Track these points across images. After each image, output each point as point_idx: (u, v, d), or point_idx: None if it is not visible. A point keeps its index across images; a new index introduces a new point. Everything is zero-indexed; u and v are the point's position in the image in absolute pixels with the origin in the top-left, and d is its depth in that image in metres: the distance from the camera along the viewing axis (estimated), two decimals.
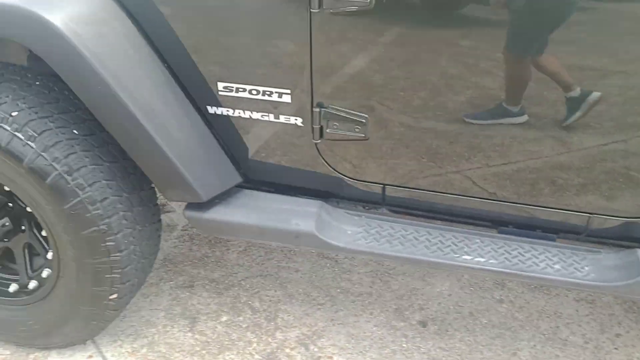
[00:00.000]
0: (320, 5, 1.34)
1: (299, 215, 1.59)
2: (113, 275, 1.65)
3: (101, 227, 1.56)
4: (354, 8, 1.32)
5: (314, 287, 2.19)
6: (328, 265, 2.30)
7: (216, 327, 2.01)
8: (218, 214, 1.61)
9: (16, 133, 1.48)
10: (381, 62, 1.41)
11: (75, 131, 1.54)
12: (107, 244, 1.59)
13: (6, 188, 1.63)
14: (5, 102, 1.50)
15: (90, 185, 1.53)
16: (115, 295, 1.70)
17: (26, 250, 1.80)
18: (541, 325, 2.04)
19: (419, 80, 1.42)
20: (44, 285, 1.76)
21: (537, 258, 1.50)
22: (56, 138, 1.51)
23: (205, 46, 1.49)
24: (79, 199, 1.52)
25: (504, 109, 1.40)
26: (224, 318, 2.05)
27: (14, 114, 1.49)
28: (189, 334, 1.98)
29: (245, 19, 1.43)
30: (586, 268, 1.48)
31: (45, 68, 1.69)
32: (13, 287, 1.81)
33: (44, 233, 1.68)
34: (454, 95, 1.40)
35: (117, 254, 1.61)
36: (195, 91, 1.55)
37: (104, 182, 1.56)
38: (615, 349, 1.96)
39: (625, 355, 1.94)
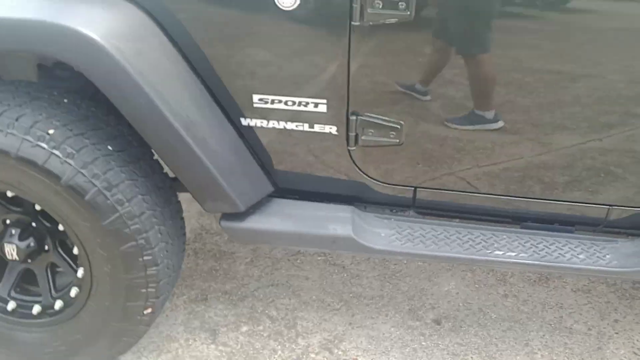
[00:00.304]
0: (361, 18, 1.40)
1: (335, 220, 1.64)
2: (149, 290, 1.65)
3: (139, 241, 1.57)
4: (393, 20, 1.40)
5: (326, 294, 2.24)
6: (336, 271, 2.35)
7: (238, 338, 2.02)
8: (255, 223, 1.64)
9: (54, 151, 1.47)
10: (416, 71, 1.49)
11: (109, 147, 1.55)
12: (145, 258, 1.59)
13: (37, 207, 1.62)
14: (39, 121, 1.49)
15: (129, 201, 1.53)
16: (150, 310, 1.70)
17: (49, 270, 1.78)
18: (546, 316, 2.16)
19: (449, 87, 1.51)
20: (72, 304, 1.73)
21: (562, 250, 1.61)
22: (94, 155, 1.50)
23: (242, 60, 1.53)
24: (118, 214, 1.52)
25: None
26: (244, 328, 2.07)
27: (50, 132, 1.48)
28: (212, 346, 1.99)
29: (284, 32, 1.48)
30: (608, 256, 1.60)
31: (62, 83, 1.70)
32: (36, 309, 1.78)
33: (74, 251, 1.67)
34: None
35: (154, 268, 1.62)
36: (230, 104, 1.58)
37: (140, 197, 1.57)
38: (616, 333, 2.10)
39: (626, 339, 2.08)
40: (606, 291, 2.28)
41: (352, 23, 1.42)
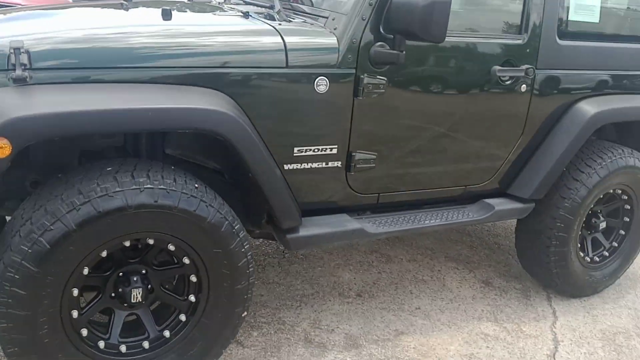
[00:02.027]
0: (362, 95, 2.42)
1: (347, 222, 2.56)
2: (248, 295, 2.27)
3: (248, 257, 2.21)
4: (376, 93, 2.45)
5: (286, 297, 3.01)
6: (285, 282, 3.13)
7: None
8: (307, 232, 2.43)
9: (202, 199, 2.05)
10: (389, 126, 2.56)
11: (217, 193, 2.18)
12: (249, 269, 2.24)
13: (171, 247, 2.09)
14: (186, 181, 2.05)
15: (242, 230, 2.18)
16: (245, 313, 2.29)
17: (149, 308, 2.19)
18: (406, 283, 3.39)
19: (412, 135, 2.64)
20: (183, 328, 2.19)
21: (454, 215, 2.86)
22: (220, 200, 2.13)
23: (289, 126, 2.35)
24: (238, 239, 2.16)
25: None
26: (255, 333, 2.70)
27: (197, 185, 2.06)
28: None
29: (317, 106, 2.38)
30: (470, 214, 2.91)
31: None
32: (146, 344, 2.16)
33: (192, 279, 2.17)
34: (422, 139, 2.67)
35: (252, 277, 2.26)
36: (278, 154, 2.36)
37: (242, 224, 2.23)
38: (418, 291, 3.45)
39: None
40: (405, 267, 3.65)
41: (355, 98, 2.43)
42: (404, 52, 2.39)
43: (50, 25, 2.39)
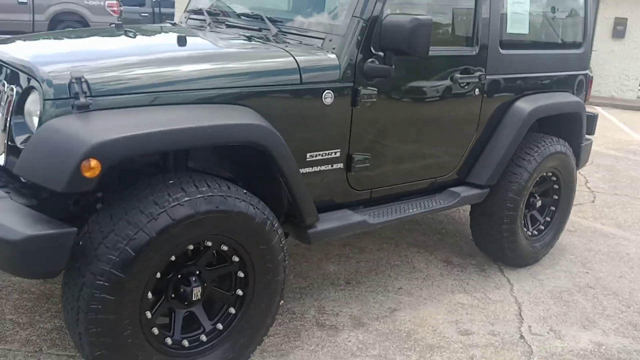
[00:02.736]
0: (359, 104, 2.80)
1: (351, 216, 2.93)
2: (284, 286, 2.57)
3: (284, 251, 2.52)
4: (369, 102, 2.85)
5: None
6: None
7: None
8: (323, 226, 2.76)
9: (251, 202, 2.33)
10: (379, 130, 2.96)
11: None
12: (285, 262, 2.54)
13: (224, 247, 2.34)
14: (236, 188, 2.32)
15: (279, 227, 2.48)
16: (282, 302, 2.59)
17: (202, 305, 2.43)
18: (387, 269, 3.81)
19: (397, 138, 3.04)
20: (234, 320, 2.45)
21: (430, 203, 3.32)
22: (262, 202, 2.42)
23: (303, 134, 2.68)
24: (278, 235, 2.47)
25: None
26: None
27: (245, 191, 2.34)
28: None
29: (324, 116, 2.72)
30: (442, 201, 3.39)
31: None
32: (203, 337, 2.40)
33: (239, 275, 2.43)
34: (403, 140, 3.09)
35: (287, 269, 2.56)
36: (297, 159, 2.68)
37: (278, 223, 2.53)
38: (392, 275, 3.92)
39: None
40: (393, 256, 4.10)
41: (353, 107, 2.81)
42: (394, 67, 2.81)
43: (97, 50, 2.60)
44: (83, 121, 2.08)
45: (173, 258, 2.24)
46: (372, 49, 2.83)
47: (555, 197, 4.05)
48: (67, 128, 2.03)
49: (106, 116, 2.14)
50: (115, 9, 15.07)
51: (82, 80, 2.13)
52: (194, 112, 2.29)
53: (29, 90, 2.24)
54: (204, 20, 3.38)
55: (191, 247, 2.28)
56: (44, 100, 2.12)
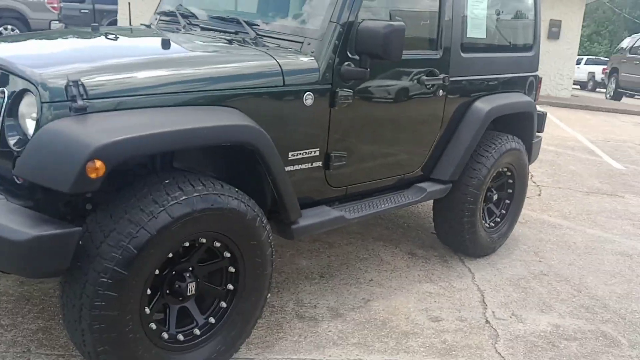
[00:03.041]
0: (337, 105, 2.94)
1: (330, 212, 3.07)
2: (271, 279, 2.68)
3: (272, 246, 2.63)
4: (346, 103, 2.99)
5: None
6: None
7: None
8: (304, 222, 2.88)
9: (243, 201, 2.44)
10: (354, 129, 3.10)
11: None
12: (273, 257, 2.66)
13: (216, 244, 2.43)
14: (228, 186, 2.41)
15: (267, 223, 2.59)
16: (269, 295, 2.70)
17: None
18: (358, 262, 3.97)
19: (369, 137, 3.19)
20: (225, 313, 2.54)
21: (399, 198, 3.50)
22: (252, 200, 2.52)
23: (284, 134, 2.79)
24: (266, 231, 2.58)
25: None
26: None
27: (237, 190, 2.44)
28: None
29: (304, 117, 2.85)
30: (410, 196, 3.57)
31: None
32: (197, 331, 2.48)
33: (230, 270, 2.52)
34: (375, 138, 3.25)
35: (274, 263, 2.67)
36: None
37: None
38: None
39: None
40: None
41: (331, 108, 2.95)
42: (369, 69, 2.97)
43: (86, 53, 2.65)
44: (84, 123, 2.13)
45: (170, 255, 2.32)
46: (348, 52, 2.97)
47: (510, 190, 4.32)
48: (69, 130, 2.08)
49: (104, 118, 2.20)
50: (55, 5, 14.65)
51: (79, 83, 2.18)
52: (188, 114, 2.37)
53: (22, 92, 2.27)
54: (178, 22, 3.44)
55: (187, 244, 2.36)
56: (42, 103, 2.15)
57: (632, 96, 19.07)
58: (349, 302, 3.39)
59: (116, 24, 17.48)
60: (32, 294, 3.13)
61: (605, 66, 25.58)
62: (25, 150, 2.12)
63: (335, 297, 3.43)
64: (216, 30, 3.27)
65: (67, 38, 3.10)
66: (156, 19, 3.74)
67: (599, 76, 25.31)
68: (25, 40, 2.93)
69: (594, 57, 30.81)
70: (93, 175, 2.02)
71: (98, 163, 2.02)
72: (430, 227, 4.66)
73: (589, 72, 25.53)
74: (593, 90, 24.95)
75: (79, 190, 2.04)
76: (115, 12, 18.61)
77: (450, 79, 3.60)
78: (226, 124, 2.41)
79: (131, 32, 3.36)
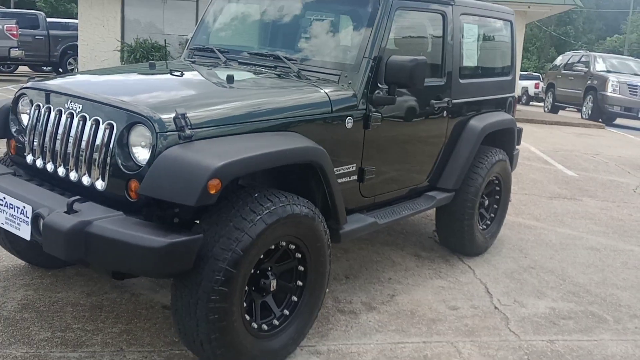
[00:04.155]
0: (369, 127, 3.46)
1: (366, 219, 3.58)
2: (329, 276, 3.15)
3: (330, 247, 3.10)
4: (376, 125, 3.52)
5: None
6: None
7: None
8: (349, 227, 3.37)
9: (311, 208, 2.91)
10: (381, 146, 3.63)
11: None
12: (330, 257, 3.13)
13: (291, 246, 2.88)
14: (302, 199, 2.88)
15: (326, 227, 3.07)
16: (327, 289, 3.16)
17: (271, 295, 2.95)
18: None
19: (392, 153, 3.72)
20: (296, 307, 2.99)
21: (415, 205, 4.03)
22: (317, 208, 2.99)
23: (332, 152, 3.25)
24: (327, 234, 3.06)
25: None
26: None
27: (306, 200, 2.91)
28: None
29: (345, 137, 3.36)
30: (423, 204, 4.12)
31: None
32: (275, 322, 2.92)
33: (299, 269, 2.98)
34: (397, 154, 3.78)
35: (331, 262, 3.15)
36: None
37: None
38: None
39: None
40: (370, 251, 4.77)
41: (365, 130, 3.47)
42: (396, 96, 3.51)
43: (171, 88, 3.13)
44: (197, 150, 2.57)
45: (262, 256, 2.76)
46: (378, 82, 3.51)
47: (497, 197, 4.95)
48: (188, 155, 2.52)
49: (210, 145, 2.65)
50: (14, 32, 14.66)
51: (185, 115, 2.62)
52: (271, 139, 2.86)
53: (132, 125, 2.68)
54: (216, 57, 3.90)
55: (273, 246, 2.82)
56: (157, 133, 2.58)
57: (565, 108, 20.55)
58: (378, 297, 3.89)
59: (76, 50, 17.58)
60: (102, 303, 3.49)
61: (537, 81, 27.30)
62: (149, 173, 2.53)
63: (364, 293, 3.93)
64: (254, 65, 3.75)
65: (141, 74, 3.51)
66: (190, 54, 4.18)
67: (532, 90, 26.93)
68: (103, 76, 3.32)
69: (525, 72, 32.69)
70: (213, 191, 2.46)
71: (216, 181, 2.46)
72: (427, 232, 5.25)
73: (522, 87, 26.92)
74: (527, 104, 26.45)
75: (201, 203, 2.47)
76: (69, 37, 18.64)
77: (452, 101, 4.21)
78: (303, 146, 2.90)
79: (188, 67, 3.77)
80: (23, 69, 19.90)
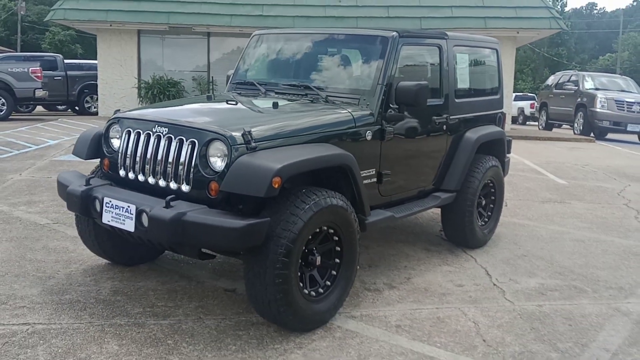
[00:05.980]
0: (385, 139, 4.34)
1: (384, 212, 4.43)
2: (359, 256, 3.98)
3: (358, 232, 3.94)
4: (390, 137, 4.39)
5: None
6: None
7: None
8: (372, 219, 4.22)
9: (343, 200, 3.75)
10: (395, 154, 4.50)
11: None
12: (359, 240, 3.97)
13: (330, 230, 3.73)
14: (337, 193, 3.73)
15: (355, 216, 3.92)
16: (358, 267, 4.00)
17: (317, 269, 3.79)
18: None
19: (403, 160, 4.58)
20: (336, 279, 3.82)
21: (424, 203, 4.89)
22: (348, 201, 3.85)
23: (356, 159, 4.14)
24: (357, 221, 3.92)
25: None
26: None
27: (341, 195, 3.76)
28: None
29: (365, 147, 4.22)
30: (431, 202, 4.98)
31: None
32: (320, 290, 3.75)
33: (337, 249, 3.81)
34: (407, 161, 4.65)
35: (359, 244, 4.00)
36: None
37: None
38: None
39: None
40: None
41: (381, 140, 4.34)
42: (406, 113, 4.40)
43: (234, 113, 4.05)
44: (262, 157, 3.45)
45: (310, 237, 3.61)
46: (389, 103, 4.40)
47: (493, 197, 5.80)
48: (256, 161, 3.39)
49: (270, 153, 3.52)
50: (38, 74, 15.68)
51: (251, 132, 3.50)
52: (314, 148, 3.73)
53: (210, 141, 3.55)
54: (256, 89, 4.81)
55: (318, 230, 3.66)
56: (231, 146, 3.45)
57: (559, 126, 21.51)
58: (397, 279, 4.72)
59: (92, 89, 18.59)
60: (175, 288, 4.33)
61: (532, 101, 28.32)
62: (229, 175, 3.40)
63: (385, 277, 4.75)
64: (289, 94, 4.64)
65: (204, 104, 4.42)
66: (233, 87, 5.09)
67: (528, 110, 27.94)
68: (174, 107, 4.24)
69: (521, 93, 33.76)
70: (276, 186, 3.33)
71: (278, 178, 3.33)
72: (433, 232, 6.10)
73: (519, 108, 28.00)
74: (524, 123, 27.44)
75: (268, 195, 3.33)
76: (85, 77, 19.70)
77: (450, 117, 5.09)
78: (337, 153, 3.78)
79: (237, 97, 4.67)
80: (39, 109, 20.97)
